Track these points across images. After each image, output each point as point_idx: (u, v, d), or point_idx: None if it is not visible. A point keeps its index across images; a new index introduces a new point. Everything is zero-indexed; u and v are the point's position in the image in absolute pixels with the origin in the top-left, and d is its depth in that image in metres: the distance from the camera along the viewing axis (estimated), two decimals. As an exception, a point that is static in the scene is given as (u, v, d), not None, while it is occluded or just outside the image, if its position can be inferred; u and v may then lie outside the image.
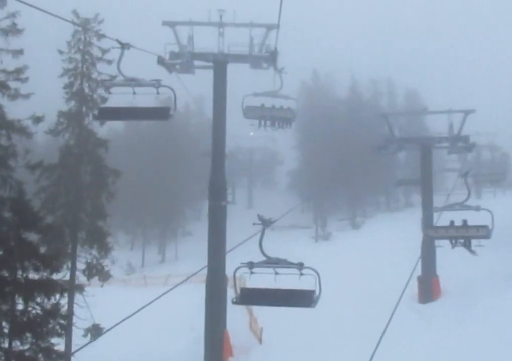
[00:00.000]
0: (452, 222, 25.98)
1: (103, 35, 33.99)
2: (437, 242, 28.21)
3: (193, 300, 42.76)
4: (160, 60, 29.32)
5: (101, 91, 34.45)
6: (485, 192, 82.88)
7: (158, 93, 13.72)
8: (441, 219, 30.64)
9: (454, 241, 26.08)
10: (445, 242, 27.27)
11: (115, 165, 70.27)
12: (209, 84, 32.96)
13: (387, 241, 57.78)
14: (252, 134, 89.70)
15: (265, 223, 13.85)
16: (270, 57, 29.67)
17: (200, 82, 36.36)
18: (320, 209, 77.40)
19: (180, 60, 29.66)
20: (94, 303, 32.84)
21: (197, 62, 31.88)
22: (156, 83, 13.83)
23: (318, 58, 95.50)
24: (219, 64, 30.73)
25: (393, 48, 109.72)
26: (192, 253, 68.25)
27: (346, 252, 55.41)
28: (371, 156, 78.47)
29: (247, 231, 64.59)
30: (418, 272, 40.56)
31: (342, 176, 78.11)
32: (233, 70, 32.75)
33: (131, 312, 42.61)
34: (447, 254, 42.85)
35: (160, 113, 14.71)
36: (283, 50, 31.96)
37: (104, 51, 33.79)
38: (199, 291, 37.03)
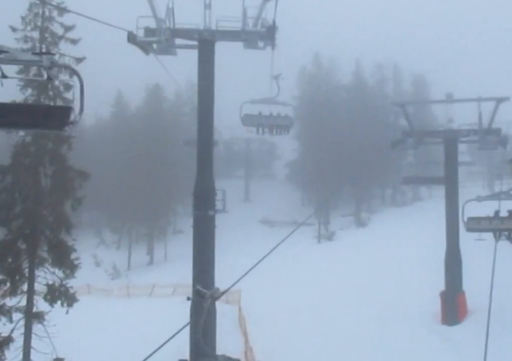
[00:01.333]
0: (497, 212, 24.43)
1: (65, 10, 28.53)
2: (479, 235, 26.36)
3: (180, 315, 37.53)
4: (132, 38, 23.51)
5: (65, 77, 29.06)
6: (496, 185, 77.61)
7: (49, 78, 7.72)
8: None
9: (498, 234, 24.25)
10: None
11: (98, 158, 64.69)
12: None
13: (397, 242, 52.33)
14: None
15: (207, 299, 8.29)
16: (268, 34, 23.89)
17: (191, 65, 30.81)
18: (322, 203, 71.98)
19: (157, 38, 23.82)
20: (69, 321, 27.67)
21: (178, 41, 26.04)
22: (45, 61, 7.50)
23: (320, 41, 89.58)
24: (205, 43, 24.92)
25: (399, 32, 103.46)
26: (183, 254, 62.69)
27: (352, 255, 49.98)
28: (375, 146, 73.45)
29: (243, 228, 58.30)
30: (441, 285, 35.10)
31: (345, 167, 72.84)
32: (223, 51, 27.09)
33: (111, 331, 35.67)
34: (475, 264, 37.54)
35: (50, 118, 7.49)
36: (282, 31, 26.40)
37: (67, 28, 28.18)
38: (188, 305, 31.81)
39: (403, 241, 51.38)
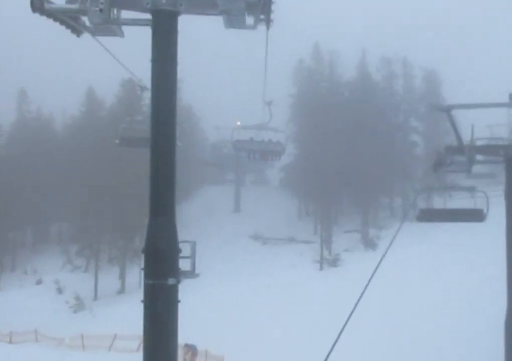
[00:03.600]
0: None
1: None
2: None
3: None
4: (38, 5, 13.83)
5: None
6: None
7: None
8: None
9: None
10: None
11: (67, 164, 55.12)
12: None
13: (418, 272, 43.49)
14: (238, 123, 75.04)
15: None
16: (261, 2, 14.14)
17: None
18: (322, 216, 62.93)
19: (80, 6, 13.98)
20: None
21: (126, 14, 16.27)
22: None
23: (320, 30, 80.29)
24: (162, 16, 14.79)
25: (408, 21, 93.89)
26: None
27: (365, 291, 41.01)
28: (382, 150, 64.58)
29: (231, 244, 47.67)
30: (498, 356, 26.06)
31: (348, 174, 63.92)
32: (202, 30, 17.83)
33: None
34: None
35: None
36: (277, 19, 17.25)
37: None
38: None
39: (425, 271, 42.53)
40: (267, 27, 13.89)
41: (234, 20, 14.18)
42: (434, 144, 70.62)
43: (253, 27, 14.11)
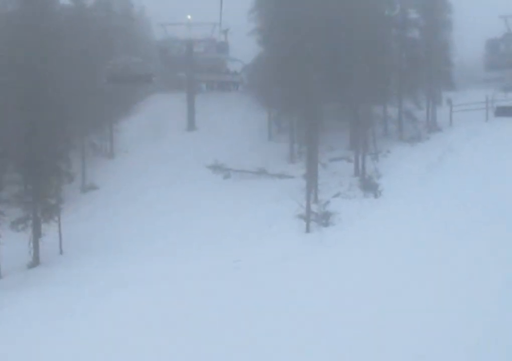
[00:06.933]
0: None
1: None
2: None
3: None
4: None
5: None
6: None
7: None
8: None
9: None
10: None
11: None
12: None
13: (445, 230, 31.15)
14: (189, 17, 58.96)
15: None
16: None
17: None
18: (300, 136, 48.49)
19: None
20: None
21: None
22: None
23: None
24: None
25: None
26: (98, 238, 40.30)
27: (374, 267, 28.18)
28: (374, 48, 50.34)
29: (182, 178, 32.96)
30: None
31: (330, 80, 49.08)
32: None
33: None
34: None
35: None
36: None
37: None
38: None
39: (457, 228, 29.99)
40: None
41: None
42: (437, 41, 56.63)
43: None
